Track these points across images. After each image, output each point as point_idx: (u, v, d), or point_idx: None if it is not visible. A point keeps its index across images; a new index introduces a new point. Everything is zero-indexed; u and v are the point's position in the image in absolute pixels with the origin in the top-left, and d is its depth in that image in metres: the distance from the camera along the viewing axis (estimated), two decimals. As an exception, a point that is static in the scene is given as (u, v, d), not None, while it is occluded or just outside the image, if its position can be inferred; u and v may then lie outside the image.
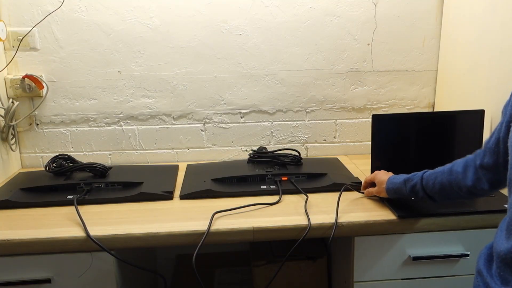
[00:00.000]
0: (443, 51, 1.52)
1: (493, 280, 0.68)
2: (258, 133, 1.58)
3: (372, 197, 1.15)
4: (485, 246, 0.77)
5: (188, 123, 1.55)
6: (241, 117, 1.56)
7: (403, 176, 1.01)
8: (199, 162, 1.53)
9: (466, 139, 1.26)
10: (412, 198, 1.02)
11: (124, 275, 1.09)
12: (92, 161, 1.37)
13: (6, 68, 1.41)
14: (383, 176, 1.08)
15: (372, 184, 1.14)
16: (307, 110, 1.57)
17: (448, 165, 0.92)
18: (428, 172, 0.95)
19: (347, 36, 1.51)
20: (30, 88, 1.42)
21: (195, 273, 0.97)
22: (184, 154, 1.58)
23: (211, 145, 1.58)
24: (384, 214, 1.07)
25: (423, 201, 1.07)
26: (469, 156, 0.89)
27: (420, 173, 0.97)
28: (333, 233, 1.03)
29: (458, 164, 0.89)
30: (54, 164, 1.33)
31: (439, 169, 0.93)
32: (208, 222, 1.03)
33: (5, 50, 1.41)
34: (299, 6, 1.47)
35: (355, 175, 1.32)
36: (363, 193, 1.20)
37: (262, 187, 1.23)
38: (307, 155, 1.60)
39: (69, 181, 1.25)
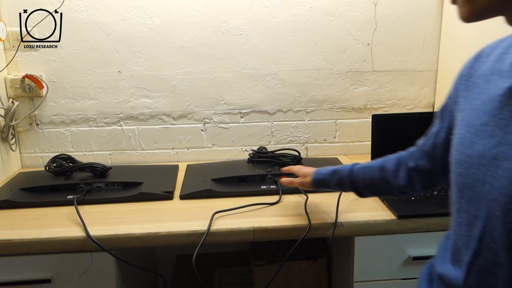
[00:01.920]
0: (443, 51, 1.52)
1: None
2: (258, 133, 1.58)
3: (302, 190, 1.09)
4: (426, 265, 0.74)
5: (188, 123, 1.55)
6: (241, 117, 1.56)
7: (330, 168, 0.97)
8: (199, 162, 1.53)
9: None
10: (338, 191, 0.99)
11: (124, 275, 1.09)
12: (92, 161, 1.37)
13: (6, 68, 1.41)
14: (309, 168, 1.04)
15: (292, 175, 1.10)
16: (307, 110, 1.57)
17: (379, 161, 0.89)
18: (358, 166, 0.92)
19: (347, 36, 1.51)
20: (30, 88, 1.42)
21: (195, 273, 0.97)
22: (184, 154, 1.58)
23: (211, 145, 1.58)
24: (384, 214, 1.07)
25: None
26: (402, 154, 0.86)
27: (349, 165, 0.94)
28: (333, 233, 1.03)
29: (390, 161, 0.87)
30: (54, 164, 1.33)
31: (370, 163, 0.90)
32: (208, 222, 1.03)
33: (5, 50, 1.41)
34: (299, 6, 1.47)
35: (355, 175, 1.32)
36: None
37: (262, 187, 1.23)
38: (307, 155, 1.60)
39: (69, 181, 1.25)
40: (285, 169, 1.12)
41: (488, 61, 0.62)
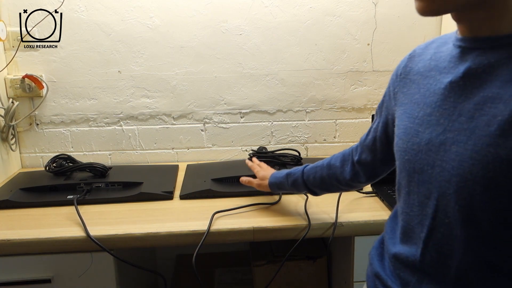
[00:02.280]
0: (443, 51, 1.52)
1: (391, 280, 0.70)
2: (258, 133, 1.58)
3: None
4: (373, 247, 0.80)
5: (188, 123, 1.55)
6: (241, 117, 1.56)
7: (285, 171, 1.03)
8: (199, 162, 1.53)
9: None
10: (294, 192, 1.05)
11: (124, 275, 1.09)
12: (92, 161, 1.37)
13: (6, 68, 1.41)
14: (267, 170, 1.11)
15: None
16: (307, 110, 1.57)
17: (326, 160, 0.96)
18: (309, 167, 0.98)
19: (347, 36, 1.51)
20: (30, 88, 1.42)
21: (195, 273, 0.97)
22: (184, 154, 1.58)
23: (211, 145, 1.58)
24: (384, 214, 1.07)
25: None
26: (346, 151, 0.93)
27: (301, 167, 1.00)
28: (333, 233, 1.03)
29: (335, 159, 0.93)
30: (54, 164, 1.33)
31: (319, 163, 0.97)
32: (208, 222, 1.03)
33: (5, 50, 1.41)
34: (299, 6, 1.47)
35: (355, 175, 1.32)
36: (363, 193, 1.20)
37: (262, 187, 1.23)
38: (307, 155, 1.60)
39: (69, 181, 1.25)
40: (249, 163, 1.17)
41: (422, 60, 0.70)
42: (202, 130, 1.56)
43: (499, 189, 0.54)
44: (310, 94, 1.55)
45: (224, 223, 1.04)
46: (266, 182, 1.06)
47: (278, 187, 1.05)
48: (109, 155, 1.55)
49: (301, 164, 1.36)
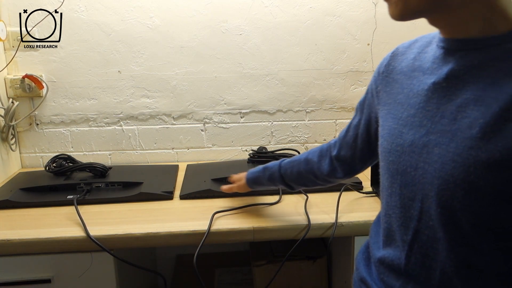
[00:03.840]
0: (443, 51, 1.52)
1: (377, 285, 0.69)
2: (258, 133, 1.58)
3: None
4: (359, 251, 0.80)
5: (188, 123, 1.55)
6: (241, 117, 1.56)
7: (262, 166, 1.03)
8: (199, 162, 1.53)
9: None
10: (270, 187, 1.05)
11: (124, 275, 1.09)
12: (92, 161, 1.37)
13: (6, 68, 1.41)
14: (243, 173, 1.09)
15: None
16: (307, 110, 1.57)
17: (304, 154, 0.95)
18: (286, 161, 0.98)
19: (347, 36, 1.51)
20: (30, 88, 1.42)
21: (196, 273, 0.97)
22: (184, 154, 1.58)
23: (211, 145, 1.58)
24: (384, 214, 1.07)
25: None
26: (323, 146, 0.93)
27: (278, 162, 1.00)
28: (333, 233, 1.03)
29: (313, 153, 0.93)
30: (54, 164, 1.33)
31: (296, 158, 0.97)
32: (208, 222, 1.03)
33: (5, 50, 1.41)
34: (299, 6, 1.47)
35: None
36: (363, 193, 1.20)
37: (262, 187, 1.23)
38: (307, 155, 1.60)
39: (69, 181, 1.25)
40: (227, 187, 1.13)
41: (406, 59, 0.69)
42: (202, 130, 1.56)
43: (479, 192, 0.53)
44: (310, 94, 1.55)
45: (224, 223, 1.04)
46: (244, 180, 1.06)
47: (255, 182, 1.04)
48: (109, 155, 1.55)
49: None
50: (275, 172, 0.98)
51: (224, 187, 1.11)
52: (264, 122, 1.57)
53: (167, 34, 1.46)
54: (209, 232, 1.00)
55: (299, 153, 1.41)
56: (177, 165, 1.47)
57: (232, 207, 1.11)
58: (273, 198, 1.18)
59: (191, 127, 1.56)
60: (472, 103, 0.55)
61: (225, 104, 1.54)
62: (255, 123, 1.57)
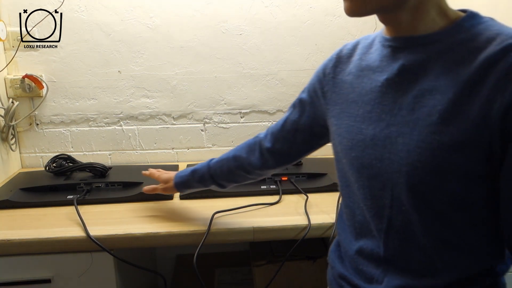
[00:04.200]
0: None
1: (356, 278, 0.72)
2: (258, 133, 1.58)
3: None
4: (331, 250, 0.82)
5: (188, 123, 1.55)
6: (241, 117, 1.56)
7: (189, 169, 1.02)
8: (199, 162, 1.53)
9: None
10: (201, 189, 1.05)
11: (124, 275, 1.09)
12: (92, 161, 1.37)
13: (6, 68, 1.41)
14: (169, 173, 1.08)
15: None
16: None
17: (231, 152, 0.97)
18: (214, 161, 0.99)
19: (347, 36, 1.51)
20: (30, 88, 1.42)
21: (196, 273, 0.97)
22: (184, 154, 1.58)
23: (211, 145, 1.58)
24: (384, 214, 1.07)
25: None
26: (249, 141, 0.95)
27: (205, 163, 1.00)
28: (333, 233, 1.03)
29: (240, 150, 0.95)
30: (54, 164, 1.33)
31: (224, 156, 0.98)
32: (208, 222, 1.03)
33: (5, 50, 1.41)
34: (299, 6, 1.47)
35: (355, 175, 1.32)
36: None
37: (262, 187, 1.23)
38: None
39: (69, 181, 1.25)
40: (145, 173, 1.12)
41: (352, 61, 0.73)
42: (202, 130, 1.56)
43: (447, 172, 0.57)
44: (310, 94, 1.55)
45: (224, 223, 1.04)
46: (171, 183, 1.04)
47: (184, 186, 1.03)
48: (109, 155, 1.55)
49: (301, 164, 1.37)
50: (205, 174, 0.99)
51: (146, 188, 1.09)
52: (264, 122, 1.57)
53: (167, 34, 1.46)
54: (209, 232, 1.00)
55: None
56: (177, 165, 1.47)
57: (232, 207, 1.11)
58: (273, 198, 1.18)
59: (191, 127, 1.56)
60: (427, 93, 0.59)
61: (225, 104, 1.54)
62: (255, 123, 1.57)
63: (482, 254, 0.63)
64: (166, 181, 1.06)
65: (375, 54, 0.68)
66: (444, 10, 0.61)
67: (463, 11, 0.62)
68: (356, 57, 0.73)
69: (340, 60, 0.76)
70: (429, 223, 0.61)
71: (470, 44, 0.58)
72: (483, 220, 0.61)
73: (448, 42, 0.60)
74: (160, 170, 1.13)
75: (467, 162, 0.56)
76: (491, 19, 0.61)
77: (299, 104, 0.86)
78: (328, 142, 0.83)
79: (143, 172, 1.13)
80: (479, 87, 0.55)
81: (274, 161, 0.91)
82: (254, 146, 0.93)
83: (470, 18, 0.60)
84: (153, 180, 1.29)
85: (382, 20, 0.64)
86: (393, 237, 0.65)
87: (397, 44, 0.64)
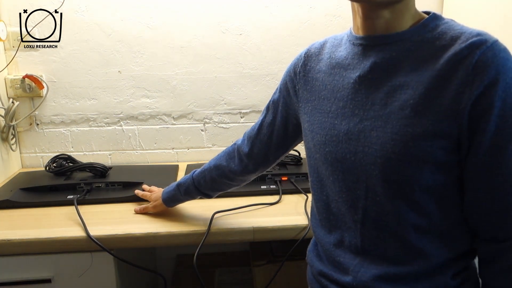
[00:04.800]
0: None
1: (336, 273, 0.73)
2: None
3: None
4: (308, 250, 0.84)
5: (188, 123, 1.55)
6: (241, 117, 1.56)
7: (174, 184, 1.05)
8: (199, 162, 1.53)
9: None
10: (188, 200, 1.07)
11: (124, 275, 1.09)
12: (92, 161, 1.37)
13: (6, 68, 1.41)
14: (157, 192, 1.11)
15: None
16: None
17: (212, 162, 0.98)
18: (197, 172, 1.01)
19: (347, 36, 1.51)
20: (30, 88, 1.42)
21: (196, 273, 0.97)
22: (184, 154, 1.58)
23: (211, 145, 1.58)
24: (384, 214, 1.07)
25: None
26: (228, 149, 0.97)
27: (189, 175, 1.02)
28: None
29: (220, 159, 0.97)
30: (54, 164, 1.33)
31: (205, 167, 0.99)
32: (208, 222, 1.03)
33: (5, 50, 1.41)
34: (299, 6, 1.47)
35: (355, 175, 1.32)
36: None
37: (262, 187, 1.23)
38: (307, 155, 1.60)
39: (69, 181, 1.25)
40: (138, 193, 1.15)
41: (322, 59, 0.76)
42: (202, 130, 1.56)
43: (420, 162, 0.60)
44: (310, 94, 1.55)
45: (224, 223, 1.04)
46: (160, 201, 1.07)
47: (172, 200, 1.06)
48: (109, 155, 1.55)
49: (301, 164, 1.37)
50: (190, 186, 1.00)
51: (137, 209, 1.11)
52: (264, 122, 1.57)
53: (167, 34, 1.46)
54: (209, 232, 1.00)
55: (299, 153, 1.41)
56: (177, 165, 1.47)
57: (232, 207, 1.11)
58: (273, 198, 1.18)
59: (191, 127, 1.56)
60: (398, 88, 0.63)
61: (225, 104, 1.54)
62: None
63: (455, 239, 0.66)
64: (155, 199, 1.09)
65: (345, 52, 0.71)
66: (412, 9, 0.65)
67: (426, 13, 0.66)
68: (325, 55, 0.75)
69: (309, 59, 0.78)
70: (403, 212, 0.64)
71: (436, 42, 0.62)
72: (454, 207, 0.64)
73: (416, 40, 0.63)
74: (152, 188, 1.16)
75: (439, 152, 0.60)
76: (452, 20, 0.65)
77: (272, 106, 0.87)
78: (300, 141, 0.86)
79: (136, 191, 1.16)
80: (448, 82, 0.59)
81: (254, 165, 0.92)
82: (233, 153, 0.95)
83: (434, 19, 0.64)
84: (153, 180, 1.29)
85: (365, 15, 0.65)
86: (369, 228, 0.67)
87: (368, 42, 0.66)
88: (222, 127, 1.57)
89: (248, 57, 1.50)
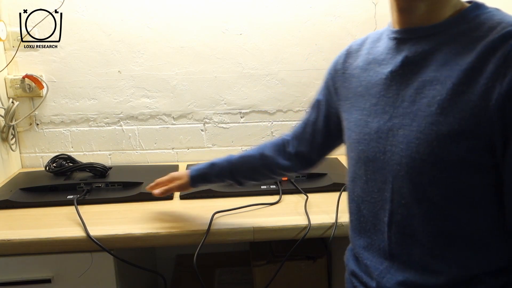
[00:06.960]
0: (443, 51, 1.52)
1: (365, 275, 0.71)
2: (258, 133, 1.58)
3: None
4: (348, 249, 0.81)
5: (188, 123, 1.55)
6: (241, 117, 1.56)
7: (206, 163, 0.99)
8: (199, 162, 1.53)
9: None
10: (213, 184, 1.03)
11: (124, 275, 1.09)
12: (92, 161, 1.37)
13: (6, 68, 1.41)
14: (181, 171, 1.04)
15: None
16: (307, 110, 1.57)
17: (256, 149, 0.95)
18: (236, 157, 0.96)
19: (347, 36, 1.51)
20: (30, 88, 1.42)
21: (196, 273, 0.97)
22: (184, 154, 1.58)
23: (211, 145, 1.58)
24: (384, 214, 1.07)
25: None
26: (277, 141, 0.94)
27: (225, 158, 0.97)
28: (333, 233, 1.03)
29: (268, 149, 0.94)
30: (54, 164, 1.33)
31: (247, 153, 0.96)
32: (208, 222, 1.03)
33: (5, 50, 1.41)
34: (299, 6, 1.47)
35: (355, 175, 1.32)
36: None
37: (262, 187, 1.23)
38: (307, 155, 1.60)
39: (69, 181, 1.25)
40: (152, 186, 1.06)
41: (360, 55, 0.74)
42: (202, 130, 1.56)
43: (444, 163, 0.57)
44: (310, 94, 1.55)
45: (224, 223, 1.04)
46: (186, 179, 1.00)
47: (202, 179, 0.99)
48: (109, 155, 1.55)
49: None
50: (225, 168, 0.96)
51: (157, 192, 1.02)
52: (264, 122, 1.57)
53: (167, 34, 1.46)
54: (209, 232, 1.00)
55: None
56: (177, 165, 1.47)
57: (232, 207, 1.11)
58: (273, 198, 1.18)
59: (191, 127, 1.56)
60: (428, 84, 0.59)
61: (225, 104, 1.54)
62: (255, 123, 1.57)
63: (490, 251, 0.60)
64: (180, 178, 1.02)
65: (382, 47, 0.69)
66: (456, 0, 0.61)
67: (469, 2, 0.61)
68: (364, 51, 0.73)
69: (349, 56, 0.77)
70: (429, 217, 0.60)
71: (473, 34, 0.57)
72: (487, 214, 0.59)
73: (452, 32, 0.59)
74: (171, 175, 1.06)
75: (466, 153, 0.55)
76: (496, 9, 0.60)
77: (316, 105, 0.87)
78: (342, 142, 0.82)
79: (147, 187, 1.07)
80: (478, 75, 0.54)
81: (300, 163, 0.91)
82: (282, 147, 0.93)
83: (475, 8, 0.60)
84: (153, 180, 1.29)
85: (402, 8, 0.62)
86: (395, 232, 0.65)
87: (402, 36, 0.64)
88: (222, 127, 1.57)
89: (248, 57, 1.50)
